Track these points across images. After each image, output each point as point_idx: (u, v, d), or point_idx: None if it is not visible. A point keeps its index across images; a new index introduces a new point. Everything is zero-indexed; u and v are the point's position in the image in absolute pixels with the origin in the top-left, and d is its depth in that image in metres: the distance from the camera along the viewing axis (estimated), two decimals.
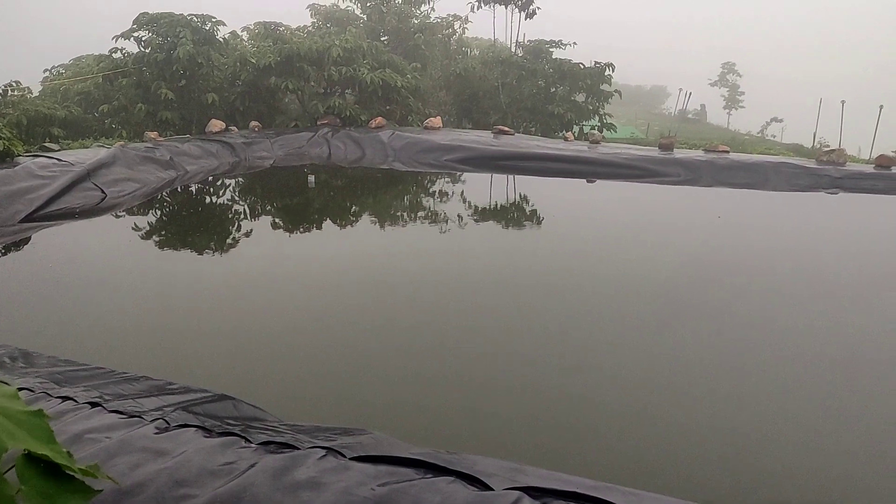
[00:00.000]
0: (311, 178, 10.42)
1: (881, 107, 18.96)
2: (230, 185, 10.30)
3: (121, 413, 2.29)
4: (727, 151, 11.25)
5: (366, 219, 8.93)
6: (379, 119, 12.68)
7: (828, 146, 23.91)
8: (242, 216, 8.55)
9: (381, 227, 8.32)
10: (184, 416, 2.35)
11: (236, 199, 9.64)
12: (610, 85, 16.64)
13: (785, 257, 6.94)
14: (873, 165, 10.56)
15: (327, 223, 8.56)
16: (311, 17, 18.76)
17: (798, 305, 5.44)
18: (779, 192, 9.95)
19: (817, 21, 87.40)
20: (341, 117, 12.76)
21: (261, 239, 7.41)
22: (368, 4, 18.16)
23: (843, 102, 19.70)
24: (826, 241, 7.88)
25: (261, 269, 6.24)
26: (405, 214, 9.01)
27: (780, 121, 32.59)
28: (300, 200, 9.69)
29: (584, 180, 10.99)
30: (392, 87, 12.95)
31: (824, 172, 10.22)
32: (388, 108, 13.48)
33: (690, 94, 38.07)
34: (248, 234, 7.56)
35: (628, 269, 6.39)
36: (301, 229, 8.20)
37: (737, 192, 10.05)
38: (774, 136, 31.08)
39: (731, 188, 10.19)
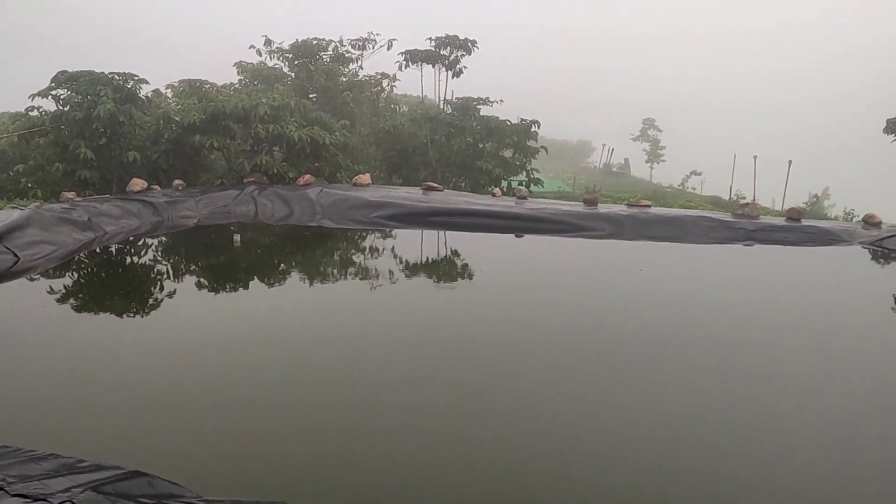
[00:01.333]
0: (237, 237, 10.22)
1: (790, 162, 20.10)
2: (152, 245, 9.99)
3: (25, 497, 2.13)
4: (649, 206, 11.60)
5: (294, 277, 8.80)
6: (307, 176, 12.61)
7: (744, 198, 25.05)
8: (164, 277, 8.28)
9: (310, 284, 8.21)
10: (93, 497, 2.20)
11: (158, 259, 9.35)
12: (536, 141, 17.06)
13: (702, 307, 7.18)
14: (785, 218, 11.05)
15: (254, 282, 8.38)
16: (238, 74, 18.71)
17: (714, 352, 5.60)
18: (698, 245, 10.30)
19: (732, 83, 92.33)
20: (269, 175, 12.63)
21: (183, 300, 7.16)
22: (296, 63, 18.23)
23: (755, 158, 20.74)
24: (741, 290, 8.16)
25: (182, 332, 6.02)
26: (334, 271, 8.92)
27: (699, 174, 33.92)
28: (225, 260, 9.47)
29: (513, 235, 11.14)
30: (320, 144, 12.92)
31: (739, 225, 10.65)
32: (316, 165, 13.42)
33: (613, 149, 39.50)
34: (170, 296, 7.30)
35: (554, 322, 6.46)
36: (226, 289, 7.99)
37: (659, 245, 10.36)
38: (694, 189, 32.30)
39: (653, 241, 10.50)
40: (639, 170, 44.26)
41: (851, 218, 20.58)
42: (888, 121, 15.07)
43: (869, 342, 6.32)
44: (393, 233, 11.23)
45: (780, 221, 10.95)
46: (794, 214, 11.04)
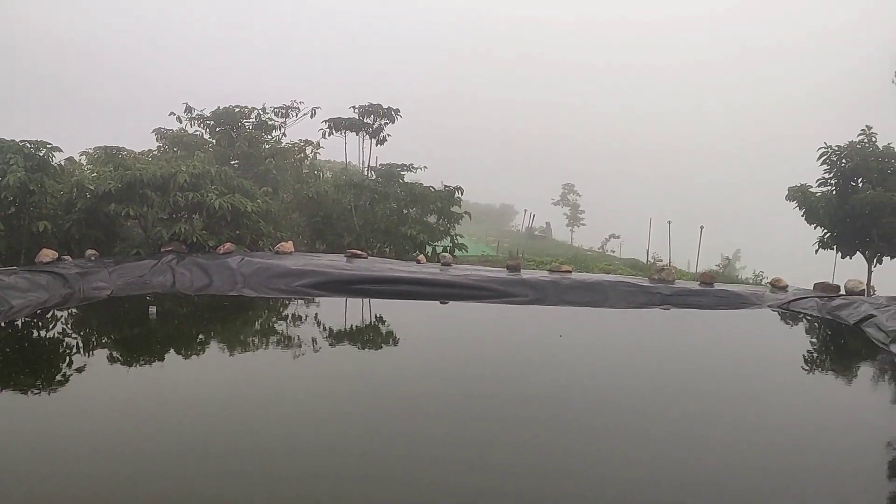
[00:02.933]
0: (153, 309, 9.85)
1: (702, 227, 21.07)
2: (61, 318, 9.52)
3: None
4: (570, 272, 11.86)
5: (212, 347, 8.51)
6: (228, 245, 12.36)
7: (661, 260, 26.00)
8: (72, 351, 7.86)
9: (229, 354, 7.95)
10: None
11: (67, 333, 8.89)
12: (460, 206, 17.33)
13: (616, 370, 7.35)
14: (699, 282, 11.48)
15: (170, 354, 8.05)
16: (157, 140, 18.40)
17: (632, 415, 5.70)
18: (617, 310, 10.56)
19: (646, 151, 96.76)
20: (187, 243, 12.32)
21: (93, 376, 6.80)
22: (217, 129, 18.09)
23: (669, 223, 21.56)
24: (656, 354, 8.41)
25: (91, 409, 5.69)
26: (254, 341, 8.69)
27: (618, 237, 35.15)
28: (140, 332, 9.09)
29: (438, 302, 11.15)
30: (242, 211, 12.74)
31: (656, 290, 10.99)
32: (237, 232, 13.19)
33: (534, 215, 40.48)
34: (79, 371, 6.92)
35: (475, 389, 6.49)
36: (140, 362, 7.63)
37: (580, 311, 10.56)
38: (614, 252, 33.36)
39: (574, 307, 10.70)
40: (560, 233, 45.48)
41: (761, 280, 21.58)
42: (789, 188, 15.95)
43: (770, 401, 6.61)
44: (316, 301, 11.07)
45: (695, 286, 11.36)
46: (706, 279, 11.49)
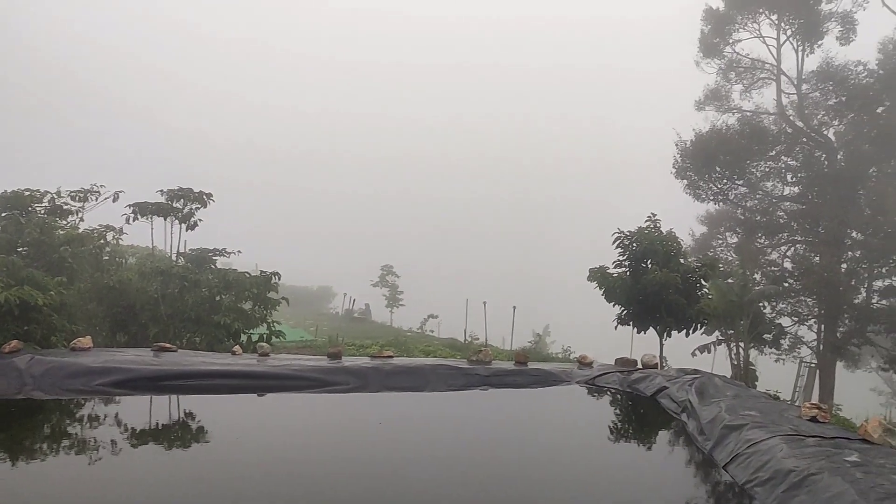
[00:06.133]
0: None
1: (514, 307, 22.19)
2: None
3: None
4: (391, 357, 11.90)
5: None
6: (14, 343, 11.08)
7: (478, 339, 26.88)
8: None
9: (12, 465, 7.04)
10: None
11: None
12: (277, 292, 16.92)
13: (439, 453, 7.48)
14: (514, 363, 12.00)
15: None
16: None
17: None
18: (438, 393, 10.75)
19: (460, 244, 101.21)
20: None
21: None
22: (3, 214, 16.44)
23: (485, 303, 22.44)
24: (476, 435, 8.68)
25: None
26: (43, 448, 7.79)
27: (436, 317, 35.86)
28: None
29: (255, 394, 10.69)
30: (31, 305, 11.55)
31: (475, 372, 11.34)
32: (26, 328, 11.91)
33: (354, 299, 40.43)
34: None
35: (291, 483, 6.38)
36: None
37: (402, 396, 10.61)
38: (433, 331, 33.98)
39: (396, 392, 10.73)
40: (380, 314, 45.64)
41: (569, 354, 22.94)
42: (590, 270, 17.31)
43: (578, 468, 7.11)
44: (119, 400, 10.17)
45: (510, 366, 11.86)
46: (520, 358, 12.05)
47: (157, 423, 8.97)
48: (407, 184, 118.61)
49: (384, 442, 8.16)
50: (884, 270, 28.15)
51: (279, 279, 16.51)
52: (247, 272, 16.43)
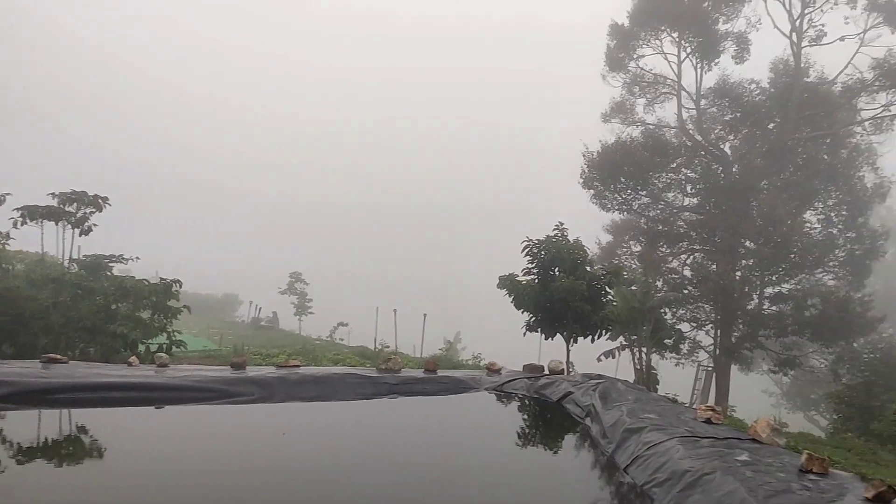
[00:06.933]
0: None
1: (425, 315, 22.19)
2: None
3: None
4: (298, 366, 11.63)
5: None
6: None
7: (388, 346, 26.72)
8: None
9: None
10: None
11: None
12: (178, 300, 16.33)
13: (343, 462, 7.38)
14: (423, 370, 11.95)
15: None
16: None
17: None
18: (346, 402, 10.56)
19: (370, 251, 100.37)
20: None
21: None
22: None
23: (395, 311, 22.35)
24: (383, 443, 8.60)
25: None
26: None
27: (346, 325, 35.45)
28: None
29: (153, 407, 10.22)
30: None
31: (384, 380, 11.21)
32: None
33: (260, 307, 39.53)
34: None
35: (188, 496, 6.23)
36: None
37: (308, 406, 10.37)
38: (342, 340, 33.55)
39: (303, 402, 10.47)
40: (288, 322, 44.74)
41: (479, 361, 23.12)
42: (500, 277, 17.52)
43: (485, 474, 7.10)
44: (3, 415, 9.52)
45: (420, 374, 11.79)
46: (430, 366, 12.00)
47: (47, 439, 8.45)
48: (320, 189, 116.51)
49: (287, 452, 7.98)
50: (774, 278, 29.80)
51: (181, 286, 15.95)
52: (146, 280, 15.79)
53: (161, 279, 15.91)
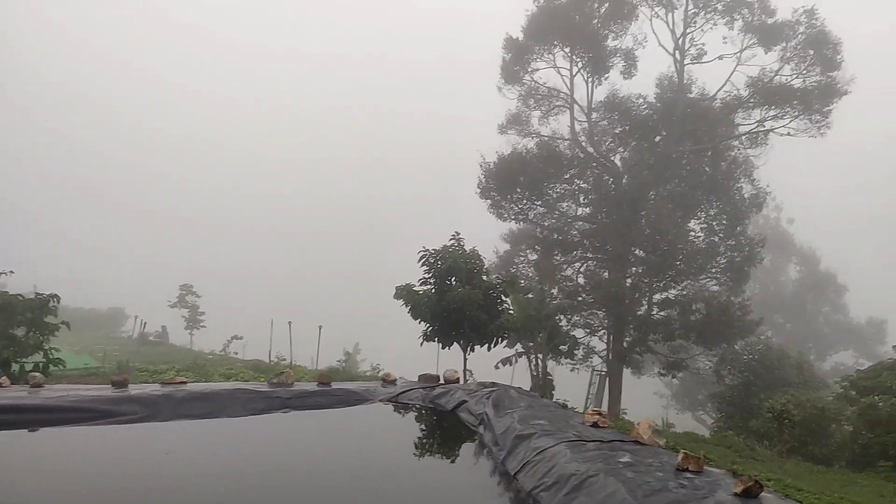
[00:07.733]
0: None
1: (321, 327, 21.87)
2: None
3: None
4: (185, 383, 11.13)
5: None
6: None
7: (284, 359, 26.15)
8: None
9: None
10: None
11: None
12: (56, 316, 15.40)
13: (228, 479, 7.11)
14: (317, 383, 11.69)
15: None
16: None
17: None
18: (236, 418, 10.20)
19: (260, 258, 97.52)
20: None
21: None
22: None
23: (290, 323, 21.93)
24: (274, 456, 8.32)
25: None
26: None
27: (241, 338, 34.44)
28: None
29: (26, 430, 9.56)
30: None
31: (276, 394, 10.88)
32: None
33: (145, 322, 37.84)
34: None
35: None
36: None
37: (194, 423, 9.95)
38: (237, 353, 32.58)
39: (190, 420, 10.04)
40: (179, 337, 43.01)
41: (378, 372, 22.97)
42: (396, 288, 17.49)
43: (374, 485, 7.05)
44: None
45: (313, 387, 11.50)
46: (323, 379, 11.75)
47: None
48: (217, 182, 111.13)
49: (170, 472, 7.59)
50: (661, 284, 31.18)
51: (59, 301, 15.03)
52: (20, 294, 14.79)
53: (37, 294, 14.95)
